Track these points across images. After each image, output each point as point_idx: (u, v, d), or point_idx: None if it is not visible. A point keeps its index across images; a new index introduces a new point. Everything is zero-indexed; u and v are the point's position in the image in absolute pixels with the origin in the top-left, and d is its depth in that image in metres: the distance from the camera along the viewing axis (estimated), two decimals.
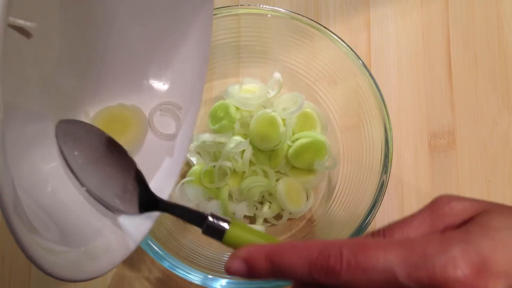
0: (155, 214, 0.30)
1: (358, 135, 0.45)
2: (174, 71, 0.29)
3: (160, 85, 0.29)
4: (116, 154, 0.27)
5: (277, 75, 0.48)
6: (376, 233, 0.26)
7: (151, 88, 0.28)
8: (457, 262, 0.21)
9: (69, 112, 0.25)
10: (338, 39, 0.42)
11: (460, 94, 0.52)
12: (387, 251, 0.21)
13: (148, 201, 0.29)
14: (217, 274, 0.40)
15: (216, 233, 0.28)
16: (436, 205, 0.25)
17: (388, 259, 0.21)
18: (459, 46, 0.53)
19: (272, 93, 0.48)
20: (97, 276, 0.24)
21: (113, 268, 0.27)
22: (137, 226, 0.27)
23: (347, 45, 0.42)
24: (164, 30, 0.27)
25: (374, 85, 0.41)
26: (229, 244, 0.28)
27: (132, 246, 0.28)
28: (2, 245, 0.48)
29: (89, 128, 0.26)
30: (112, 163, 0.27)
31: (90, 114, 0.27)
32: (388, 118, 0.41)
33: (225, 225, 0.28)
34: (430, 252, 0.21)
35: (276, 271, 0.24)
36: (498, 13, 0.53)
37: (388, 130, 0.41)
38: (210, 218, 0.28)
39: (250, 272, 0.25)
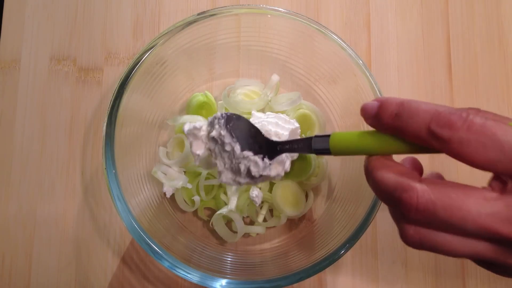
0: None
1: None
2: None
3: None
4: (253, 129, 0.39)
5: (275, 77, 0.48)
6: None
7: None
8: None
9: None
10: (338, 39, 0.42)
11: (460, 94, 0.52)
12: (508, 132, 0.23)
13: (272, 149, 0.38)
14: (217, 273, 0.40)
15: (323, 144, 0.33)
16: None
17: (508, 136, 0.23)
18: (459, 46, 0.53)
19: (270, 96, 0.48)
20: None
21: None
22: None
23: (347, 45, 0.42)
24: None
25: (374, 85, 0.41)
26: (338, 150, 0.32)
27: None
28: (2, 245, 0.48)
29: (239, 117, 0.38)
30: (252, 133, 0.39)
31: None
32: None
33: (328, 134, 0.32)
34: None
35: (401, 115, 0.26)
36: (498, 13, 0.53)
37: None
38: (315, 136, 0.34)
39: (379, 110, 0.28)
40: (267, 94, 0.48)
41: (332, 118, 0.49)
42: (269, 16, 0.43)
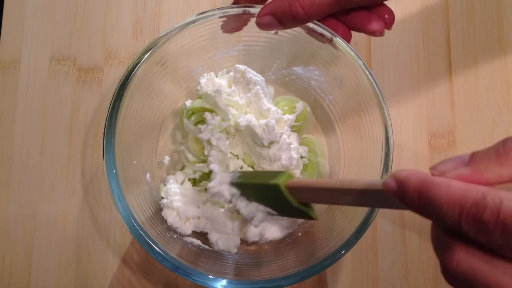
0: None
1: (359, 135, 0.45)
2: None
3: None
4: None
5: (271, 89, 0.49)
6: None
7: None
8: None
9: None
10: (338, 39, 0.42)
11: (460, 94, 0.52)
12: None
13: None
14: (217, 274, 0.40)
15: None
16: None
17: None
18: (459, 46, 0.53)
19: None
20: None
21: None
22: None
23: (347, 45, 0.42)
24: None
25: (374, 84, 0.41)
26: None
27: None
28: (2, 245, 0.48)
29: None
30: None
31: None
32: (389, 117, 0.41)
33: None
34: None
35: (422, 206, 0.22)
36: (498, 13, 0.53)
37: (389, 129, 0.41)
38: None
39: (399, 195, 0.23)
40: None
41: (332, 118, 0.49)
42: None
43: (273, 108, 0.45)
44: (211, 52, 0.47)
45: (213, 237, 0.44)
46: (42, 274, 0.48)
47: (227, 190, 0.39)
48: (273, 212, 0.38)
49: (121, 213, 0.39)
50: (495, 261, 0.20)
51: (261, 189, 0.35)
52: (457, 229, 0.21)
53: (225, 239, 0.44)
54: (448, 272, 0.21)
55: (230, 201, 0.39)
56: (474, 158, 0.22)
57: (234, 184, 0.38)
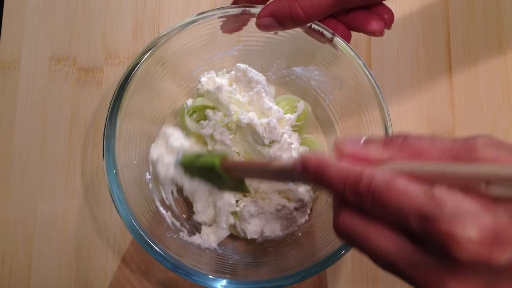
0: None
1: (359, 135, 0.45)
2: None
3: None
4: None
5: (272, 89, 0.49)
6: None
7: None
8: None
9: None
10: (338, 39, 0.42)
11: (460, 94, 0.52)
12: (408, 198, 0.24)
13: None
14: (217, 273, 0.40)
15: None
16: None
17: (406, 206, 0.24)
18: (459, 46, 0.53)
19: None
20: None
21: None
22: None
23: (347, 45, 0.42)
24: None
25: (374, 84, 0.41)
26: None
27: None
28: (2, 245, 0.48)
29: None
30: None
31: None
32: (389, 117, 0.41)
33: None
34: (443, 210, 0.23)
35: (319, 180, 0.28)
36: (498, 13, 0.53)
37: (389, 129, 0.41)
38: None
39: (303, 172, 0.29)
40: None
41: (332, 118, 0.49)
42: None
43: (275, 107, 0.45)
44: (211, 52, 0.47)
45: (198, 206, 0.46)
46: (42, 274, 0.48)
47: (172, 172, 0.44)
48: (213, 187, 0.42)
49: (121, 213, 0.39)
50: (368, 220, 0.26)
51: (201, 168, 0.39)
52: (343, 197, 0.27)
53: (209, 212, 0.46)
54: (336, 228, 0.28)
55: (176, 181, 0.44)
56: (367, 141, 0.28)
57: (178, 165, 0.42)
